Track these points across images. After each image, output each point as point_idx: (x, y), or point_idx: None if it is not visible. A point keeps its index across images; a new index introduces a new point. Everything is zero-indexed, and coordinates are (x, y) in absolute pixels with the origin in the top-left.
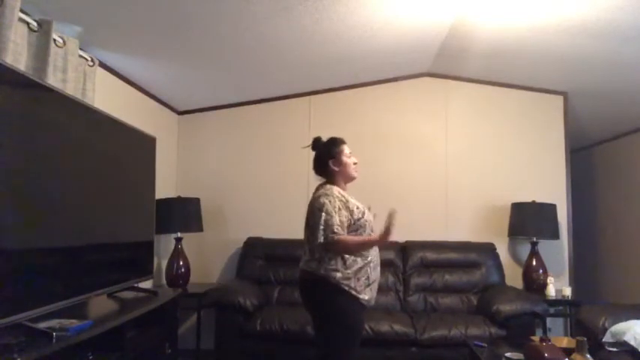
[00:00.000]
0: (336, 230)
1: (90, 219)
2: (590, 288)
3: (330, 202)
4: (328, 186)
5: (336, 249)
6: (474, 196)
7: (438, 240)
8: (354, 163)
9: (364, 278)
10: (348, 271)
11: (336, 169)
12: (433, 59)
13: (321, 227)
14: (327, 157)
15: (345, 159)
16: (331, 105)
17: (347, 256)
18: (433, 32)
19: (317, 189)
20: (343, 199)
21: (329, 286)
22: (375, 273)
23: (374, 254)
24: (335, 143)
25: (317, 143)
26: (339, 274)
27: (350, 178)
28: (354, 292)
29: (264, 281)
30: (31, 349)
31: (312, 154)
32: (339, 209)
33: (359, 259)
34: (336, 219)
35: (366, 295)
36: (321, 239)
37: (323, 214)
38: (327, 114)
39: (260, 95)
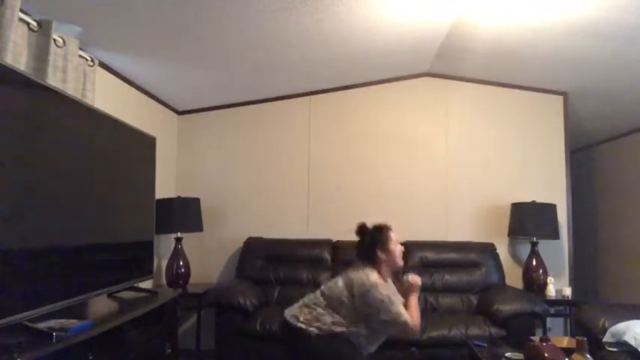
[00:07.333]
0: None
1: (90, 219)
2: (590, 288)
3: (384, 292)
4: (370, 271)
5: (406, 329)
6: (474, 196)
7: (438, 240)
8: (402, 251)
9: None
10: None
11: (383, 257)
12: (433, 59)
13: (390, 315)
14: (375, 246)
15: (392, 247)
16: (331, 105)
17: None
18: (433, 32)
19: (356, 269)
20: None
21: (330, 337)
22: (383, 338)
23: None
24: (382, 230)
25: (363, 230)
26: (347, 330)
27: (396, 267)
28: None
29: (264, 281)
30: (31, 349)
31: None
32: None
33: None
34: (397, 307)
35: (366, 350)
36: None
37: (386, 303)
38: (327, 114)
39: (260, 95)
